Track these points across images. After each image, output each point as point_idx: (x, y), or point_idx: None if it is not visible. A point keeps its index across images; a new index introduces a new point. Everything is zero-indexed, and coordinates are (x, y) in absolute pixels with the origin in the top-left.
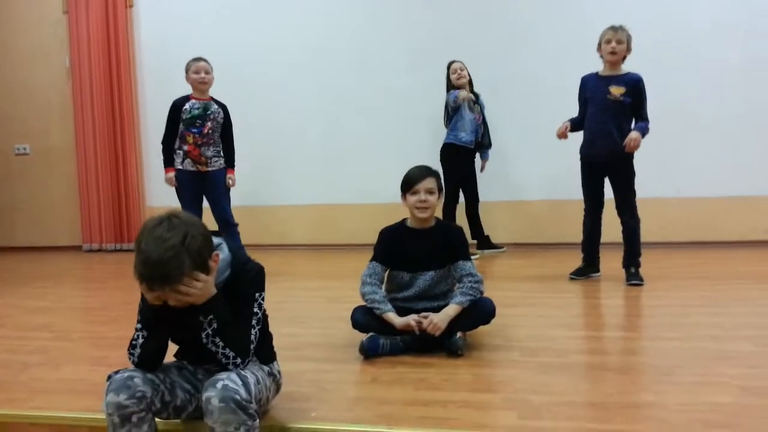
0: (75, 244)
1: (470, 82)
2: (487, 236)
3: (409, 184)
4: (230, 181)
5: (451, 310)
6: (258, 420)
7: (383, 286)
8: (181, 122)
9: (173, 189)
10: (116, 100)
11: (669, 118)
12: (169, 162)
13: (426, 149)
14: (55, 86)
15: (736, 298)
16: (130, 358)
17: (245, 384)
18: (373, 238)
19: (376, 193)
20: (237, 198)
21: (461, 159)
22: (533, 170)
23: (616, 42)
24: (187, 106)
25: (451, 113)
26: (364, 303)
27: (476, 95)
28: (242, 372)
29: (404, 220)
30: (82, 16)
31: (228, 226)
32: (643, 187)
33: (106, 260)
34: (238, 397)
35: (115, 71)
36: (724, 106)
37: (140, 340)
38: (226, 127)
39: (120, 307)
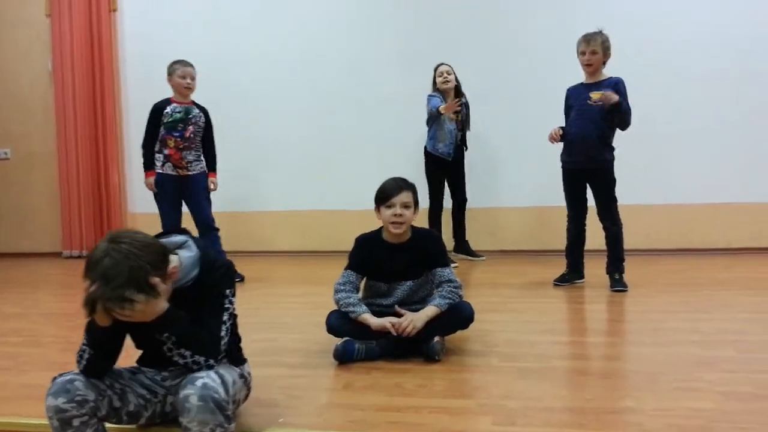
0: (56, 251)
1: (458, 87)
2: (467, 241)
3: (384, 196)
4: (212, 185)
5: (430, 311)
6: (233, 424)
7: (360, 293)
8: (161, 125)
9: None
10: (98, 104)
11: (655, 124)
12: (149, 165)
13: (414, 156)
14: (38, 90)
15: (718, 304)
16: (77, 366)
17: (224, 383)
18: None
19: (361, 200)
20: (219, 204)
21: (441, 168)
22: (518, 177)
23: (589, 53)
24: (168, 109)
25: (429, 120)
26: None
27: (461, 100)
28: (220, 371)
29: (380, 230)
30: (65, 20)
31: (209, 230)
32: (629, 193)
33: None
34: (217, 396)
35: (98, 75)
36: (711, 112)
37: (86, 356)
38: (207, 131)
39: None
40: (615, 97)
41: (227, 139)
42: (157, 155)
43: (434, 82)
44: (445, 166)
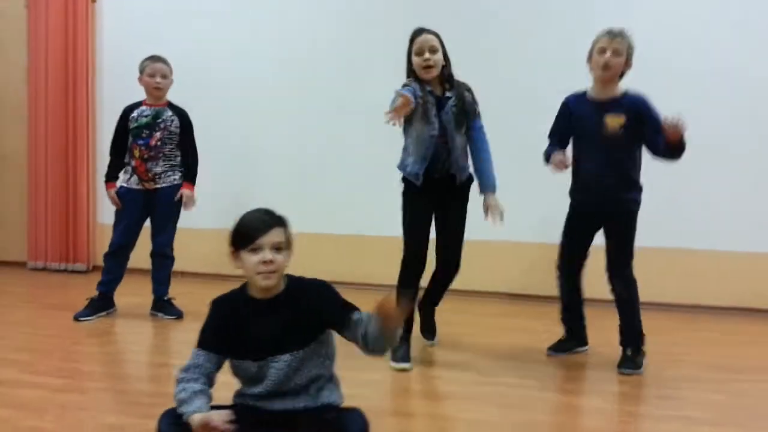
0: (21, 260)
1: (445, 72)
2: (433, 321)
3: (245, 238)
4: (187, 200)
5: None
6: None
7: (239, 382)
8: (128, 131)
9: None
10: (71, 104)
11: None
12: (110, 176)
13: None
14: (14, 86)
15: None
16: None
17: None
18: (356, 275)
19: (361, 222)
20: (200, 219)
21: (415, 196)
22: (520, 204)
23: (612, 52)
24: (135, 113)
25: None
26: None
27: (447, 94)
28: None
29: (244, 286)
30: (42, 10)
31: (162, 258)
32: (654, 235)
33: (40, 281)
34: None
35: (72, 72)
36: (758, 130)
37: None
38: (184, 135)
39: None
40: (682, 129)
41: (207, 148)
42: (126, 167)
43: (409, 60)
44: (422, 194)
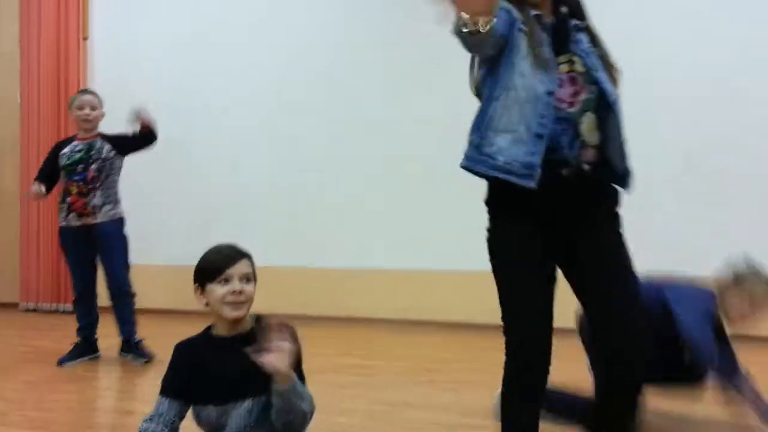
0: (13, 301)
1: None
2: None
3: (214, 269)
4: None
5: None
6: None
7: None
8: (61, 169)
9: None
10: None
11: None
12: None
13: (426, 202)
14: (8, 126)
15: None
16: None
17: None
18: (341, 310)
19: (357, 255)
20: (176, 256)
21: (511, 227)
22: None
23: None
24: (66, 149)
25: (476, 82)
26: None
27: (575, 23)
28: None
29: (207, 328)
30: (34, 48)
31: (121, 296)
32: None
33: (31, 322)
34: None
35: (64, 109)
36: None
37: None
38: (124, 144)
39: None
40: None
41: (188, 177)
42: (60, 206)
43: None
44: (534, 212)
